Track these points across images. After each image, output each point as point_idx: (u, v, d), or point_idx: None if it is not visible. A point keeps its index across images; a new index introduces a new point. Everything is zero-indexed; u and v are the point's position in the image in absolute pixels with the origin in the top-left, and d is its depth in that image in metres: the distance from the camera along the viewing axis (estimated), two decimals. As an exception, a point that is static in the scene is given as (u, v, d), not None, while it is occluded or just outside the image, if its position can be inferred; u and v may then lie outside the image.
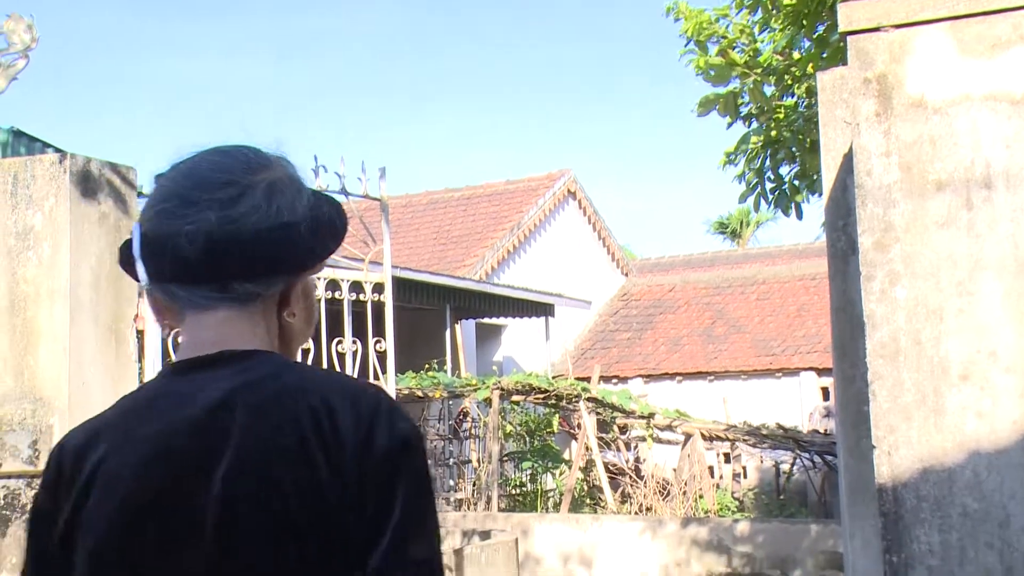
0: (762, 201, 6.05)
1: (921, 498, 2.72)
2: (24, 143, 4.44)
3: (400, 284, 10.51)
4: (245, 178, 1.31)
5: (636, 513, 11.51)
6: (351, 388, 1.28)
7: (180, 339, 1.36)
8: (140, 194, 4.35)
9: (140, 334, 4.15)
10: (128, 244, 1.32)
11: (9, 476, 3.70)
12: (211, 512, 1.19)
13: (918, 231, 2.72)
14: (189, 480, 1.21)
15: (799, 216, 6.18)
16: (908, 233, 2.73)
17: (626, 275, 21.36)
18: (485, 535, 7.60)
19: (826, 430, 13.40)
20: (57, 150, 4.17)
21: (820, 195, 6.16)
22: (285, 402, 1.24)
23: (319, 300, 4.83)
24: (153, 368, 4.15)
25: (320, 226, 1.33)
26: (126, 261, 1.33)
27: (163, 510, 1.22)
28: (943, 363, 2.70)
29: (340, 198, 4.99)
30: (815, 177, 5.95)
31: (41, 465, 3.73)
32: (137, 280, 1.33)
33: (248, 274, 1.29)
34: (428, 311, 15.26)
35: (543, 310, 17.13)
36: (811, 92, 5.53)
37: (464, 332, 16.78)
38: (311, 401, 1.24)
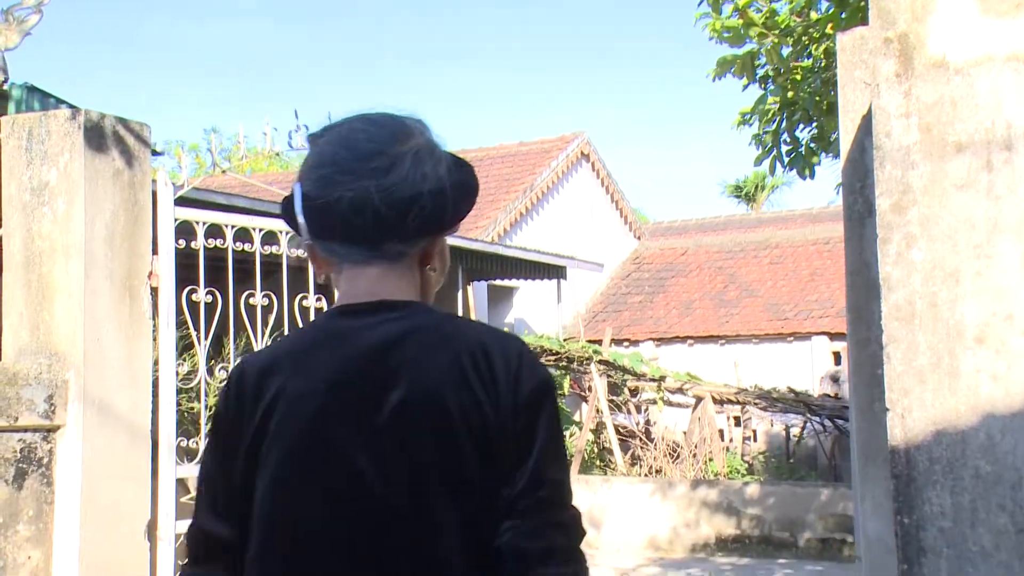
0: (778, 164, 6.00)
1: (934, 460, 2.72)
2: (38, 99, 4.43)
3: (413, 245, 10.49)
4: (394, 148, 1.50)
5: (646, 475, 11.56)
6: (499, 335, 1.53)
7: (338, 287, 1.56)
8: (154, 152, 4.34)
9: (154, 291, 4.16)
10: (289, 200, 1.53)
11: (25, 430, 3.73)
12: (388, 424, 1.45)
13: (936, 193, 2.70)
14: (369, 398, 1.46)
15: (811, 177, 6.13)
16: (926, 195, 2.71)
17: (639, 238, 21.31)
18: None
19: (836, 394, 13.40)
20: (70, 106, 4.16)
21: (836, 157, 6.11)
22: (447, 343, 1.49)
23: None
24: (168, 326, 4.16)
25: (458, 190, 1.53)
26: (288, 216, 1.54)
27: (347, 422, 1.46)
28: (959, 326, 2.69)
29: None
30: (831, 139, 5.91)
31: (57, 420, 3.77)
32: (298, 233, 1.53)
33: (399, 235, 1.50)
34: (440, 272, 15.25)
35: (555, 272, 17.11)
36: (829, 53, 5.48)
37: (476, 294, 16.79)
38: (469, 344, 1.49)
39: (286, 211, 1.55)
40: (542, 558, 1.45)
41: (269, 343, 4.56)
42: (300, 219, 1.51)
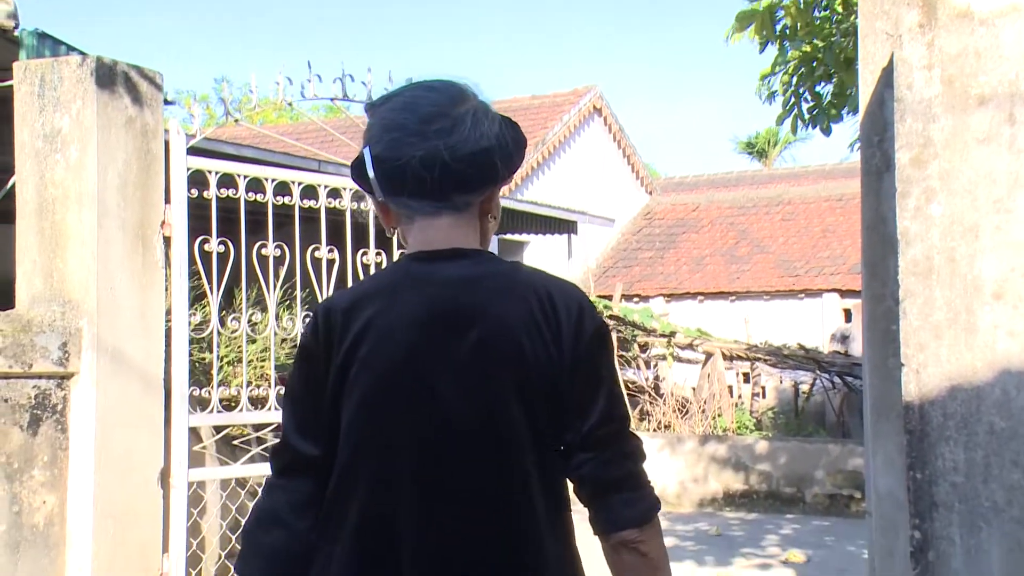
0: (799, 122, 5.94)
1: (948, 416, 2.72)
2: (48, 46, 4.39)
3: (424, 198, 10.45)
4: (454, 111, 1.68)
5: (655, 431, 11.60)
6: (561, 283, 1.72)
7: (409, 238, 1.73)
8: (165, 101, 4.31)
9: (167, 241, 4.15)
10: (360, 162, 1.70)
11: (40, 376, 3.75)
12: (469, 355, 1.63)
13: (957, 147, 2.67)
14: (453, 334, 1.63)
15: (827, 132, 6.08)
16: (947, 149, 2.68)
17: (650, 193, 21.22)
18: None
19: (846, 352, 13.40)
20: (81, 53, 4.13)
21: (854, 113, 6.06)
22: (517, 288, 1.67)
23: (344, 211, 4.82)
24: (180, 276, 4.15)
25: (512, 144, 1.72)
26: (360, 178, 1.71)
27: (433, 353, 1.64)
28: (976, 281, 2.67)
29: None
30: (850, 94, 5.84)
31: (71, 367, 3.78)
32: (371, 193, 1.71)
33: (464, 188, 1.69)
34: (451, 226, 15.22)
35: (566, 227, 17.07)
36: (848, 5, 5.40)
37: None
38: (536, 290, 1.66)
39: (358, 173, 1.72)
40: (619, 484, 1.67)
41: (281, 294, 4.58)
42: (373, 180, 1.69)
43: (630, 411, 1.78)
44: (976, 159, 2.65)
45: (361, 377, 1.66)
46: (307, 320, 1.91)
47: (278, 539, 1.71)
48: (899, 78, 2.73)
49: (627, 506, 1.67)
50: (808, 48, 5.66)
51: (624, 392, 1.58)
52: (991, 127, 2.63)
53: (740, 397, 13.18)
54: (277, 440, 1.77)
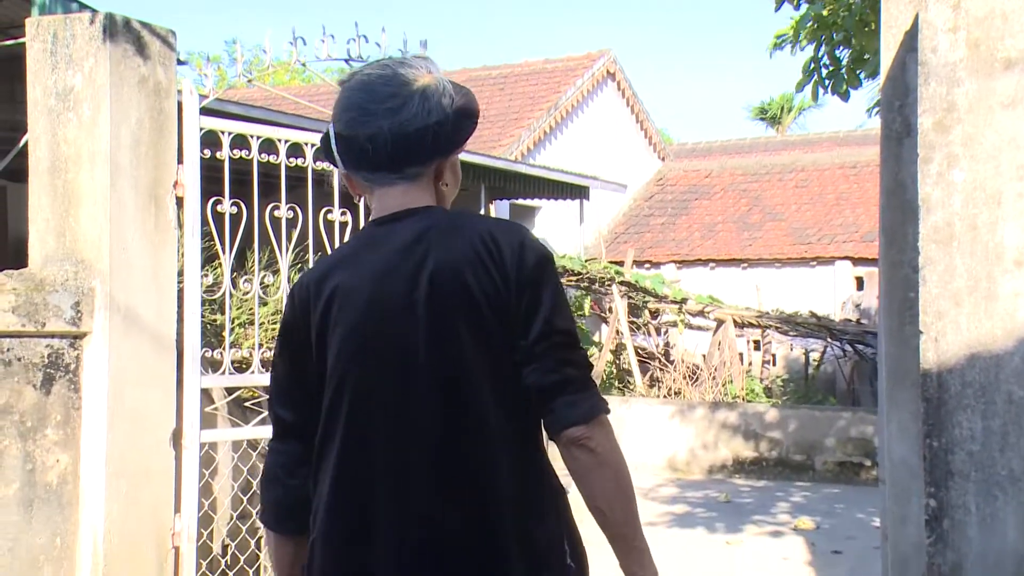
0: (820, 88, 5.87)
1: (966, 384, 2.70)
2: (61, 3, 4.36)
3: (436, 161, 10.45)
4: (404, 89, 1.85)
5: (665, 397, 11.60)
6: (504, 224, 1.88)
7: (372, 205, 1.92)
8: (179, 61, 4.28)
9: (179, 201, 4.13)
10: (327, 138, 1.91)
11: (52, 336, 3.74)
12: (422, 298, 1.80)
13: (981, 112, 2.63)
14: (406, 282, 1.81)
15: (847, 99, 6.01)
16: (971, 114, 2.64)
17: (663, 159, 21.11)
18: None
19: (858, 319, 13.36)
20: (93, 11, 4.09)
21: (873, 77, 5.98)
22: (462, 232, 1.83)
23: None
24: (193, 237, 4.14)
25: (460, 117, 1.89)
26: (327, 152, 1.92)
27: (391, 301, 1.81)
28: (998, 248, 2.64)
29: (380, 69, 4.89)
30: (867, 59, 5.77)
31: (83, 327, 3.78)
32: (335, 166, 1.92)
33: (414, 161, 1.87)
34: (462, 191, 15.13)
35: (578, 192, 16.99)
36: (869, -32, 5.32)
37: (498, 213, 16.71)
38: (479, 232, 1.83)
39: (325, 148, 1.92)
40: (560, 388, 1.80)
41: (293, 257, 4.56)
42: (335, 154, 1.90)
43: (575, 327, 1.87)
44: (1000, 124, 2.61)
45: (336, 332, 1.84)
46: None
47: (277, 495, 1.96)
48: (923, 41, 2.69)
49: (571, 407, 1.80)
50: (827, 12, 5.59)
51: (571, 313, 1.93)
52: (1017, 92, 2.59)
53: (750, 364, 13.17)
54: (268, 411, 2.01)
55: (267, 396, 4.76)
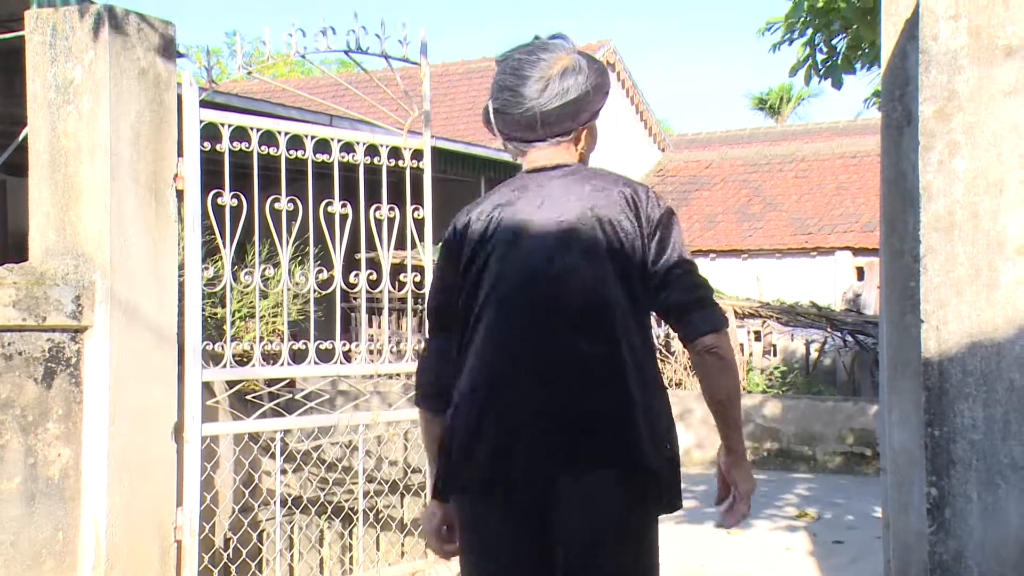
0: (812, 74, 5.86)
1: (967, 373, 2.69)
2: (60, -4, 4.36)
3: (436, 154, 10.42)
4: (548, 72, 2.27)
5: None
6: (635, 182, 2.36)
7: (523, 163, 2.38)
8: (179, 53, 4.27)
9: (179, 194, 4.12)
10: (486, 112, 2.35)
11: (53, 329, 3.74)
12: (571, 237, 2.25)
13: (983, 99, 2.62)
14: (559, 213, 2.27)
15: (839, 86, 6.00)
16: (972, 102, 2.63)
17: (663, 150, 21.09)
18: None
19: (857, 310, 13.35)
20: (92, 2, 4.09)
21: (870, 67, 5.97)
22: (606, 185, 2.31)
23: (357, 166, 4.78)
24: (193, 230, 4.13)
25: (595, 92, 2.32)
26: (486, 123, 2.37)
27: (545, 227, 2.26)
28: (999, 237, 2.63)
29: (379, 61, 4.88)
30: (866, 50, 5.76)
31: (84, 321, 3.78)
32: (495, 135, 2.37)
33: (558, 131, 2.31)
34: (463, 182, 15.16)
35: (578, 184, 16.97)
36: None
37: (498, 204, 16.70)
38: (620, 186, 2.32)
39: (484, 119, 2.38)
40: (694, 305, 2.26)
41: (293, 250, 4.56)
42: (494, 126, 2.35)
43: (694, 261, 2.34)
44: (1002, 112, 2.60)
45: (492, 258, 2.29)
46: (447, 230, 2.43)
47: (430, 379, 2.41)
48: (924, 29, 2.68)
49: (703, 321, 2.25)
50: (822, 2, 5.57)
51: (684, 240, 2.39)
52: (1018, 79, 2.58)
53: (751, 355, 13.16)
54: (428, 304, 2.48)
55: (268, 388, 4.78)
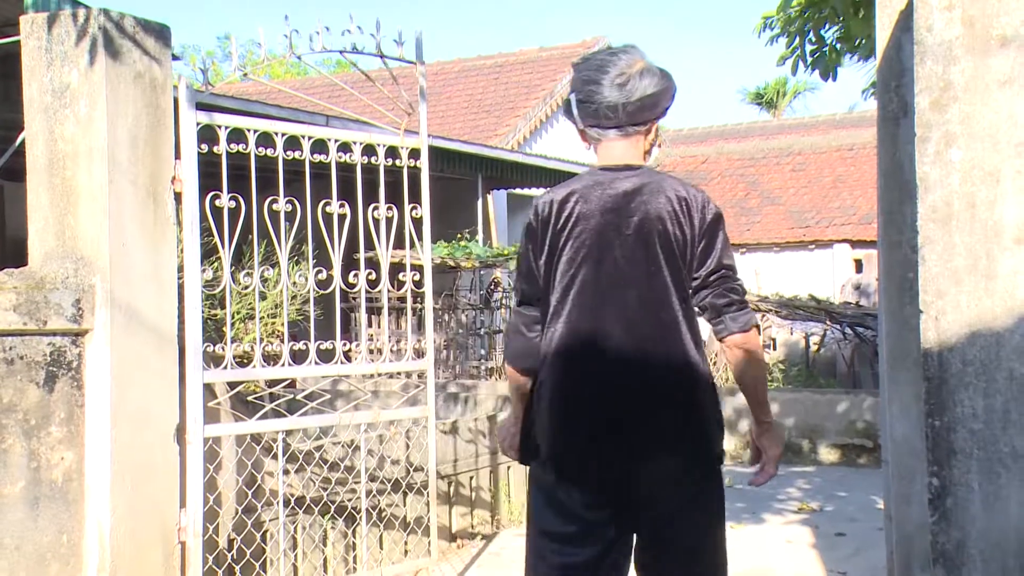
0: (800, 64, 5.86)
1: (967, 363, 2.70)
2: (55, 0, 4.36)
3: (432, 153, 10.43)
4: (628, 70, 2.65)
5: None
6: (691, 187, 2.72)
7: (597, 153, 2.74)
8: (174, 56, 4.27)
9: (178, 197, 4.12)
10: (568, 104, 2.75)
11: (54, 333, 3.75)
12: (633, 233, 2.64)
13: (978, 90, 2.63)
14: (624, 218, 2.65)
15: (834, 79, 6.00)
16: (967, 92, 2.64)
17: (659, 146, 21.09)
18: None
19: (857, 302, 13.36)
20: (87, 7, 4.09)
21: (862, 59, 5.97)
22: (664, 190, 2.66)
23: (354, 166, 4.78)
24: (192, 232, 4.13)
25: (664, 93, 2.70)
26: (567, 113, 2.77)
27: (609, 228, 2.66)
28: (997, 226, 2.64)
29: (375, 61, 4.88)
30: (858, 42, 5.76)
31: (85, 324, 3.79)
32: (575, 124, 2.74)
33: (634, 122, 2.69)
34: (460, 181, 15.17)
35: (575, 181, 16.96)
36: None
37: (496, 202, 16.71)
38: (676, 190, 2.67)
39: (566, 110, 2.77)
40: (727, 307, 2.66)
41: (291, 250, 4.56)
42: (576, 116, 2.72)
43: (736, 265, 2.72)
44: (997, 102, 2.61)
45: (568, 243, 2.68)
46: (532, 212, 2.79)
47: (519, 342, 2.81)
48: (918, 20, 2.68)
49: (734, 320, 2.66)
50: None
51: (733, 255, 2.78)
52: (1013, 69, 2.59)
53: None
54: (515, 282, 2.89)
55: (269, 389, 4.79)
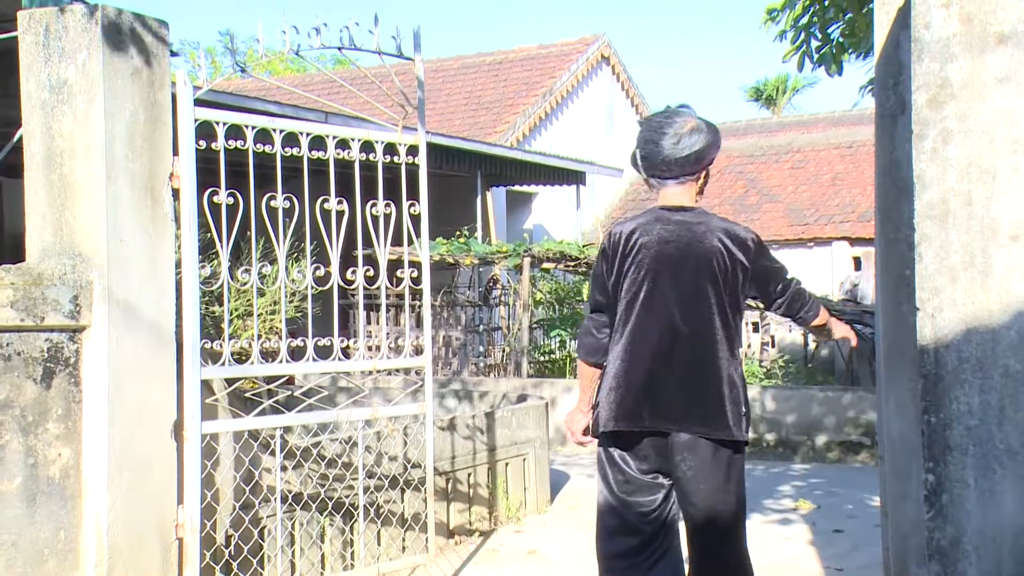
0: (806, 60, 5.86)
1: (963, 359, 2.71)
2: (52, -5, 4.36)
3: (431, 150, 10.43)
4: (680, 131, 3.31)
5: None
6: (734, 224, 3.40)
7: (657, 196, 3.44)
8: (172, 52, 4.27)
9: (175, 193, 4.12)
10: (634, 156, 3.41)
11: (52, 330, 3.75)
12: (684, 260, 3.32)
13: (975, 87, 2.63)
14: (675, 249, 3.31)
15: (840, 74, 6.00)
16: (964, 89, 2.64)
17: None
18: (518, 399, 7.69)
19: (855, 300, 13.35)
20: (84, 2, 4.09)
21: (866, 57, 5.97)
22: (713, 228, 3.33)
23: (353, 162, 4.79)
24: (190, 228, 4.13)
25: (711, 146, 3.35)
26: (633, 165, 3.44)
27: (664, 256, 3.32)
28: (993, 223, 2.65)
29: (374, 58, 4.88)
30: (861, 37, 5.76)
31: (83, 320, 3.79)
32: (640, 173, 3.43)
33: (685, 172, 3.34)
34: (459, 178, 15.17)
35: (574, 178, 16.99)
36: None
37: (495, 199, 16.71)
38: (723, 230, 3.34)
39: (632, 162, 3.46)
40: (800, 309, 3.51)
41: (290, 247, 4.56)
42: (640, 168, 3.42)
43: (784, 267, 3.46)
44: (994, 99, 2.61)
45: (632, 266, 3.38)
46: (597, 246, 3.46)
47: (591, 340, 3.51)
48: (916, 17, 2.69)
49: (807, 314, 3.53)
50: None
51: (779, 261, 3.47)
52: (1010, 66, 2.59)
53: (749, 347, 13.17)
54: (591, 294, 3.56)
55: (267, 385, 4.79)
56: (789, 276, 3.43)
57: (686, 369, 3.30)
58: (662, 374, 3.31)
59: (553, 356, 13.29)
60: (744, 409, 3.34)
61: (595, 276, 3.49)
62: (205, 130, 4.25)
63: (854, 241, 15.51)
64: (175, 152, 4.12)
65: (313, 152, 4.64)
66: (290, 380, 6.17)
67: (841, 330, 3.69)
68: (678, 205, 3.37)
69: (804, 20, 5.69)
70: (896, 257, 3.47)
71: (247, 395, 4.74)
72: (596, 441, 3.54)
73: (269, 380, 4.87)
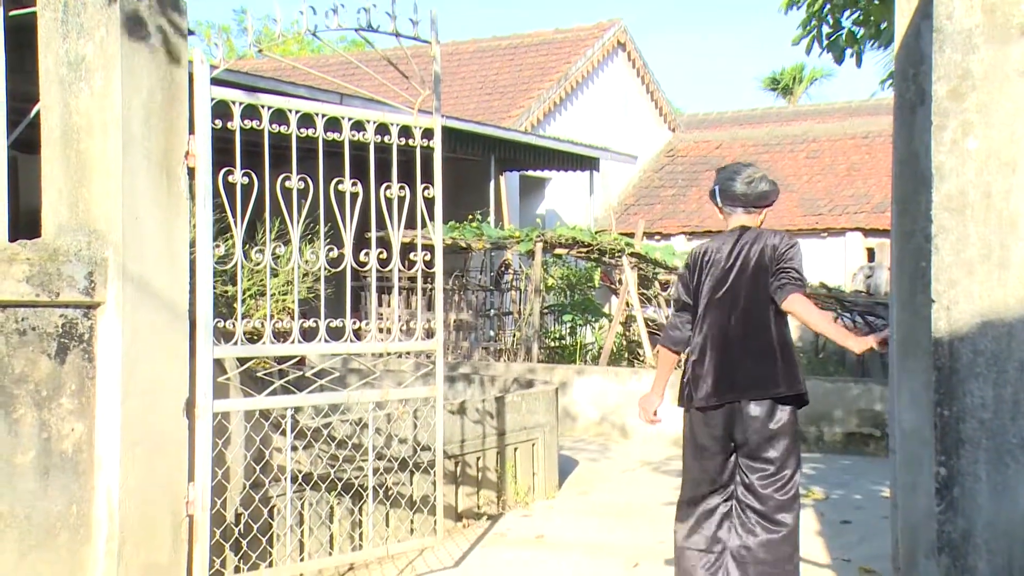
0: (815, 44, 5.82)
1: (978, 352, 2.70)
2: (71, -27, 4.34)
3: (445, 134, 10.41)
4: (753, 175, 4.38)
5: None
6: (780, 235, 4.32)
7: (728, 222, 4.44)
8: (190, 31, 4.26)
9: (191, 172, 4.13)
10: (713, 192, 4.45)
11: (67, 305, 3.76)
12: (745, 267, 4.30)
13: (997, 79, 2.61)
14: (739, 260, 4.31)
15: (858, 63, 5.97)
16: (986, 81, 2.62)
17: (673, 131, 21.02)
18: (528, 384, 7.70)
19: (868, 291, 13.32)
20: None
21: (881, 46, 5.93)
22: (765, 241, 4.30)
23: (367, 144, 4.78)
24: (204, 207, 4.14)
25: (772, 191, 4.39)
26: (712, 197, 4.49)
27: (731, 266, 4.33)
28: (1012, 217, 2.63)
29: (390, 40, 4.87)
30: (878, 28, 5.72)
31: (97, 297, 3.81)
32: (717, 206, 4.50)
33: (754, 206, 4.38)
34: (472, 162, 15.15)
35: (588, 164, 16.95)
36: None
37: (508, 184, 16.68)
38: (769, 239, 4.30)
39: (711, 195, 4.47)
40: (778, 288, 4.19)
41: (303, 227, 4.57)
42: (718, 201, 4.40)
43: (800, 265, 4.22)
44: (1016, 91, 2.59)
45: (708, 275, 4.31)
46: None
47: (676, 332, 4.42)
48: (939, 7, 2.66)
49: (778, 295, 4.16)
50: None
51: (799, 260, 4.25)
52: (1032, 58, 2.57)
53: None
54: (675, 295, 4.56)
55: (279, 367, 4.80)
56: (794, 274, 4.19)
57: (747, 351, 4.23)
58: (732, 355, 4.25)
59: (564, 342, 13.29)
60: (797, 381, 4.22)
61: (681, 283, 4.46)
62: (221, 109, 4.25)
63: (868, 232, 15.45)
64: (191, 131, 4.12)
65: (328, 133, 4.63)
66: (301, 361, 6.19)
67: (862, 344, 4.17)
68: (743, 225, 4.35)
69: (816, 6, 5.65)
70: (912, 249, 3.45)
71: (259, 375, 4.76)
72: (661, 421, 4.56)
73: (281, 360, 4.88)
